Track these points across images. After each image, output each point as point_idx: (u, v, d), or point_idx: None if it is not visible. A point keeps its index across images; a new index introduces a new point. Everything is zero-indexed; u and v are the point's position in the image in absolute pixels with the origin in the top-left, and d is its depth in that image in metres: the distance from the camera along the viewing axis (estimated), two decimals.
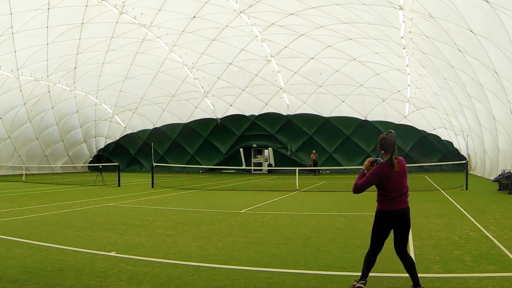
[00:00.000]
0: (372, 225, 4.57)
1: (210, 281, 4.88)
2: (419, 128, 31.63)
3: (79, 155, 40.99)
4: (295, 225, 8.64)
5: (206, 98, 34.48)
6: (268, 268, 5.35)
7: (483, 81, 16.13)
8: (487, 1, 11.33)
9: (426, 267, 5.32)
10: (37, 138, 34.69)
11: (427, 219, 9.16)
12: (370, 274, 5.03)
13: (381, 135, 4.51)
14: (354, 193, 4.60)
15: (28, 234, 7.86)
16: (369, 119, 32.47)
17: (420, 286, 4.28)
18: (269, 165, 35.17)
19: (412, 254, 5.96)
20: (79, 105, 35.66)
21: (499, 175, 16.55)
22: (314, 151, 31.75)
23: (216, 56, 28.75)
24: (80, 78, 30.92)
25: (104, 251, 6.41)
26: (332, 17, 21.57)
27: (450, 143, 31.00)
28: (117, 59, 29.15)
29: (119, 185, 20.49)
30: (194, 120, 37.19)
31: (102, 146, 41.79)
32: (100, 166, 24.98)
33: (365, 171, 4.51)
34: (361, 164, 33.05)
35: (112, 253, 6.27)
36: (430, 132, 31.56)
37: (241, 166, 34.89)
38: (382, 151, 4.45)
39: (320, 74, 30.02)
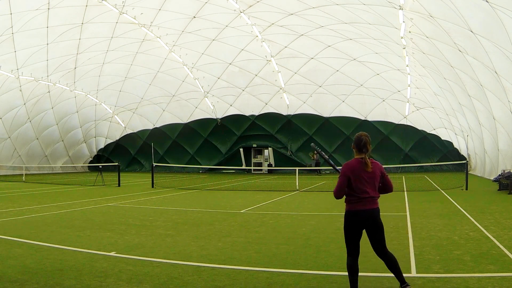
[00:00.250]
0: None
1: (210, 281, 4.88)
2: (419, 128, 31.64)
3: (79, 155, 41.00)
4: (295, 225, 8.64)
5: (206, 98, 34.48)
6: (268, 268, 5.34)
7: (483, 81, 16.13)
8: (487, 1, 11.33)
9: (426, 267, 5.32)
10: (37, 138, 34.70)
11: (427, 219, 9.16)
12: (370, 274, 5.04)
13: (357, 134, 4.48)
14: (336, 199, 4.42)
15: (28, 234, 7.86)
16: (369, 119, 32.48)
17: (406, 283, 4.21)
18: (269, 165, 35.18)
19: (412, 254, 5.96)
20: (79, 105, 35.67)
21: (499, 175, 16.55)
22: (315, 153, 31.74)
23: (216, 56, 28.76)
24: (80, 78, 30.92)
25: (104, 251, 6.41)
26: (332, 17, 21.57)
27: (450, 143, 31.01)
28: (117, 59, 29.15)
29: (119, 185, 20.49)
30: (194, 120, 37.19)
31: (102, 146, 41.79)
32: (100, 166, 24.99)
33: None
34: None
35: (112, 253, 6.27)
36: (430, 132, 31.57)
37: (241, 166, 34.90)
38: (356, 150, 4.40)
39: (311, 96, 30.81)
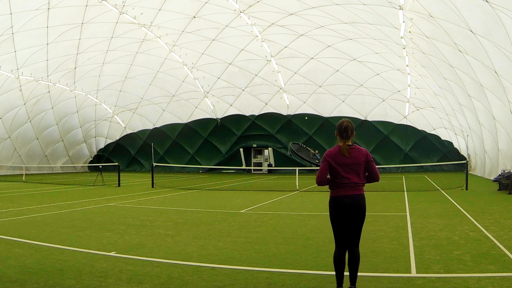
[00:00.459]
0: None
1: (210, 281, 4.88)
2: (419, 128, 31.66)
3: (79, 155, 41.00)
4: (295, 225, 8.64)
5: (206, 98, 34.49)
6: (268, 268, 5.34)
7: (483, 81, 16.13)
8: (487, 1, 11.33)
9: (426, 267, 5.31)
10: (37, 138, 34.70)
11: (427, 219, 9.16)
12: (370, 274, 5.04)
13: (340, 121, 4.40)
14: (318, 185, 4.39)
15: (28, 234, 7.85)
16: (369, 119, 32.49)
17: (354, 286, 4.18)
18: (269, 165, 35.18)
19: (412, 254, 5.96)
20: (79, 105, 35.67)
21: (499, 175, 16.55)
22: (317, 151, 31.78)
23: (216, 56, 28.76)
24: (80, 78, 30.93)
25: (104, 251, 6.41)
26: (332, 17, 21.57)
27: (450, 143, 31.02)
28: (117, 59, 29.16)
29: (119, 185, 20.49)
30: (194, 120, 37.20)
31: (102, 146, 41.80)
32: (100, 166, 24.99)
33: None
34: None
35: (112, 253, 6.27)
36: (430, 132, 31.59)
37: (241, 166, 34.90)
38: (338, 136, 4.32)
39: (306, 118, 30.83)
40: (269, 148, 35.42)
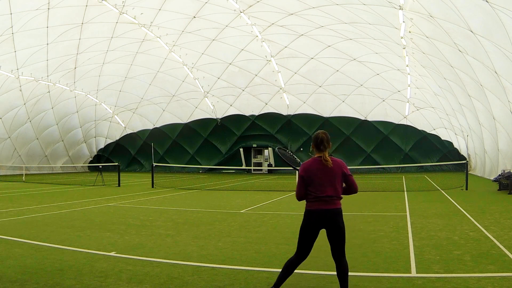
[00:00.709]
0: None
1: (210, 281, 4.88)
2: (419, 128, 31.66)
3: (79, 155, 41.00)
4: (295, 225, 8.63)
5: (206, 98, 34.49)
6: (268, 268, 5.34)
7: (483, 81, 16.14)
8: (487, 1, 11.33)
9: (426, 267, 5.31)
10: (37, 138, 34.70)
11: (427, 219, 9.16)
12: (370, 274, 5.04)
13: (315, 133, 4.36)
14: (298, 200, 4.33)
15: (28, 234, 7.85)
16: (369, 119, 32.49)
17: None
18: (269, 165, 35.17)
19: (412, 254, 5.96)
20: (79, 105, 35.68)
21: (499, 175, 16.55)
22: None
23: (216, 56, 28.76)
24: (80, 78, 30.93)
25: (104, 251, 6.41)
26: (332, 17, 21.57)
27: (450, 143, 31.02)
28: (117, 59, 29.16)
29: (119, 185, 20.49)
30: (194, 120, 37.20)
31: (102, 146, 41.81)
32: (100, 166, 24.99)
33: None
34: (361, 164, 33.23)
35: (112, 253, 6.27)
36: (430, 132, 31.59)
37: (241, 166, 34.90)
38: (315, 149, 4.27)
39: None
40: (269, 148, 35.42)
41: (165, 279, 4.95)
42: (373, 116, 32.29)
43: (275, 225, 8.71)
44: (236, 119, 35.91)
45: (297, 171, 4.51)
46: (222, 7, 22.18)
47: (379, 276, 4.98)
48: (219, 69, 30.75)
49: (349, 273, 5.11)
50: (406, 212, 10.25)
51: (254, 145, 36.14)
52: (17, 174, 31.83)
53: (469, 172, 18.71)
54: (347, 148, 33.24)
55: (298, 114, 34.12)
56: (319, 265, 5.56)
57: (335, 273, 5.15)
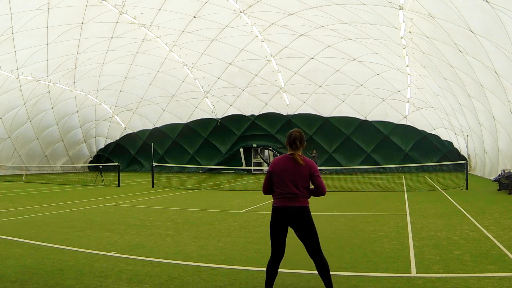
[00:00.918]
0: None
1: (210, 281, 4.88)
2: (419, 128, 31.66)
3: (79, 155, 41.00)
4: None
5: (206, 98, 34.49)
6: None
7: (483, 81, 16.14)
8: (487, 1, 11.33)
9: (426, 267, 5.32)
10: (37, 138, 34.70)
11: (427, 219, 9.16)
12: (370, 274, 5.04)
13: (290, 131, 4.30)
14: (264, 194, 4.31)
15: (28, 234, 7.85)
16: (369, 119, 32.48)
17: None
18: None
19: (412, 254, 5.96)
20: (79, 105, 35.68)
21: (499, 175, 16.55)
22: (314, 151, 31.80)
23: (216, 56, 28.76)
24: (80, 78, 30.93)
25: (104, 251, 6.41)
26: (332, 17, 21.57)
27: (450, 143, 31.02)
28: (117, 59, 29.16)
29: (119, 185, 20.49)
30: (194, 120, 37.20)
31: (102, 146, 41.80)
32: (100, 166, 24.98)
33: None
34: (361, 164, 33.21)
35: (112, 253, 6.27)
36: (430, 132, 31.59)
37: (241, 166, 34.90)
38: (288, 146, 4.23)
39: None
40: (269, 148, 35.44)
41: (165, 279, 4.95)
42: (373, 116, 32.29)
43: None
44: (236, 119, 35.91)
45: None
46: (222, 7, 22.18)
47: (379, 276, 4.98)
48: (219, 69, 30.75)
49: (350, 273, 5.13)
50: (406, 212, 10.25)
51: (254, 145, 36.13)
52: (17, 174, 31.83)
53: (469, 172, 18.71)
54: (347, 148, 33.25)
55: (298, 114, 34.11)
56: None
57: (335, 273, 5.16)
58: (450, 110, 25.59)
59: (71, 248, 6.64)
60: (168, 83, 33.13)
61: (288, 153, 4.21)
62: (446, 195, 14.28)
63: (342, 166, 32.18)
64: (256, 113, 35.18)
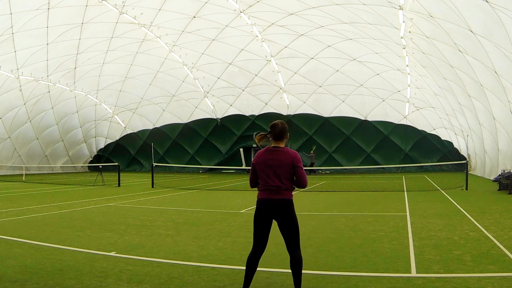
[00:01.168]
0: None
1: (210, 281, 4.88)
2: (419, 128, 31.65)
3: (79, 155, 41.00)
4: None
5: (206, 98, 34.49)
6: (268, 268, 5.34)
7: (483, 81, 16.14)
8: (487, 1, 11.33)
9: (426, 267, 5.32)
10: (37, 138, 34.70)
11: (427, 219, 9.16)
12: (370, 274, 5.04)
13: (273, 122, 4.29)
14: (251, 187, 4.34)
15: (28, 234, 7.85)
16: (369, 119, 32.48)
17: None
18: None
19: (412, 254, 5.96)
20: (79, 105, 35.67)
21: (499, 175, 16.55)
22: (312, 152, 31.90)
23: (216, 56, 28.76)
24: (80, 78, 30.93)
25: (104, 251, 6.41)
26: (332, 17, 21.57)
27: (450, 143, 31.02)
28: (117, 59, 29.16)
29: (119, 185, 20.49)
30: (194, 120, 37.19)
31: (102, 146, 41.80)
32: (100, 166, 24.98)
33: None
34: (361, 164, 33.22)
35: (112, 253, 6.27)
36: (430, 132, 31.58)
37: (241, 166, 34.90)
38: (271, 138, 4.24)
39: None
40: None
41: (165, 279, 4.95)
42: (373, 116, 32.29)
43: (274, 225, 8.70)
44: (236, 119, 35.90)
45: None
46: (222, 7, 22.18)
47: (379, 276, 4.98)
48: (219, 69, 30.74)
49: (350, 273, 5.13)
50: (406, 212, 10.25)
51: (254, 145, 36.11)
52: (17, 174, 31.83)
53: (469, 172, 18.71)
54: (347, 148, 33.25)
55: (298, 114, 34.11)
56: (319, 265, 5.56)
57: (335, 273, 5.17)
58: (450, 110, 25.59)
59: (71, 248, 6.64)
60: (168, 83, 33.13)
61: (272, 145, 4.20)
62: (446, 195, 14.28)
63: (342, 166, 32.18)
64: (256, 113, 35.17)
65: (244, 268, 5.44)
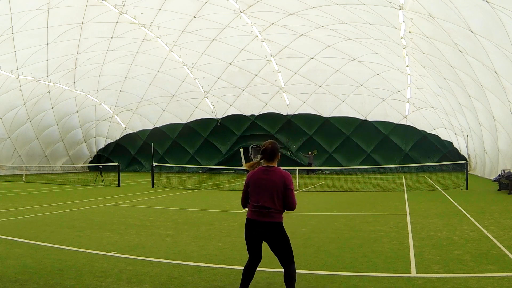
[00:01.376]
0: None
1: (210, 281, 4.88)
2: (419, 128, 31.65)
3: (79, 155, 41.00)
4: (295, 225, 8.64)
5: (206, 98, 34.49)
6: (268, 268, 5.34)
7: (483, 81, 16.14)
8: (487, 1, 11.33)
9: (426, 267, 5.32)
10: (37, 138, 34.70)
11: (427, 219, 9.16)
12: (370, 273, 5.04)
13: (263, 143, 4.26)
14: (243, 207, 4.29)
15: (28, 234, 7.85)
16: (369, 119, 32.48)
17: None
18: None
19: (412, 254, 5.96)
20: (79, 105, 35.67)
21: (499, 175, 16.55)
22: (310, 153, 31.97)
23: (216, 56, 28.75)
24: (80, 78, 30.92)
25: (104, 251, 6.41)
26: (332, 17, 21.57)
27: (450, 143, 31.01)
28: (117, 59, 29.15)
29: (119, 185, 20.49)
30: (194, 120, 37.19)
31: (102, 146, 41.79)
32: (100, 166, 24.99)
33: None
34: (361, 164, 33.19)
35: (112, 253, 6.27)
36: (430, 132, 31.58)
37: (241, 166, 34.88)
38: (263, 160, 4.21)
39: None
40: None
41: (165, 279, 4.96)
42: (373, 116, 32.28)
43: None
44: (236, 119, 35.90)
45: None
46: (222, 7, 22.17)
47: (379, 276, 4.98)
48: (219, 69, 30.74)
49: (350, 273, 5.13)
50: (406, 212, 10.25)
51: (254, 145, 36.13)
52: (17, 174, 31.83)
53: (469, 172, 18.71)
54: (347, 148, 33.24)
55: (298, 114, 34.10)
56: (319, 265, 5.56)
57: (335, 273, 5.18)
58: (450, 110, 25.59)
59: (71, 248, 6.64)
60: (168, 83, 33.13)
61: (264, 165, 4.18)
62: (446, 195, 14.28)
63: (342, 166, 32.18)
64: (256, 113, 35.17)
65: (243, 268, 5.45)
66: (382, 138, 32.49)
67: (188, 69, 30.56)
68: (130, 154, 40.54)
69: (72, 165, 39.47)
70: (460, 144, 29.70)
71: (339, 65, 28.27)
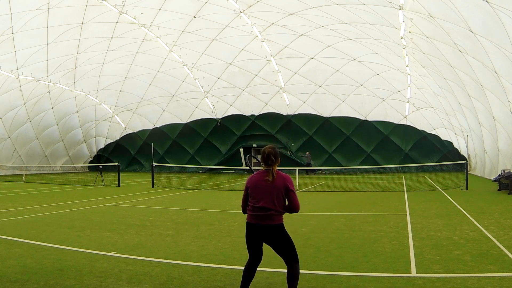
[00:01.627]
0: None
1: (210, 281, 4.88)
2: (419, 128, 31.65)
3: (79, 155, 41.00)
4: (295, 225, 8.64)
5: (206, 98, 34.49)
6: (268, 268, 5.34)
7: (483, 81, 16.14)
8: (487, 1, 11.33)
9: (426, 267, 5.32)
10: (37, 138, 34.70)
11: (427, 219, 9.16)
12: (370, 273, 5.04)
13: (263, 148, 4.27)
14: (243, 213, 4.28)
15: (28, 234, 7.85)
16: (369, 119, 32.48)
17: None
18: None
19: (412, 254, 5.96)
20: (79, 105, 35.67)
21: (499, 175, 16.55)
22: (308, 152, 32.02)
23: (216, 56, 28.76)
24: (80, 78, 30.93)
25: (104, 251, 6.41)
26: (332, 17, 21.57)
27: (450, 143, 31.02)
28: (117, 59, 29.15)
29: (119, 185, 20.49)
30: (194, 120, 37.19)
31: (102, 146, 41.80)
32: (100, 166, 24.99)
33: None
34: (361, 164, 33.20)
35: (112, 253, 6.27)
36: (430, 132, 31.58)
37: (241, 166, 34.89)
38: (262, 163, 4.21)
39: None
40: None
41: (165, 279, 4.96)
42: (373, 116, 32.28)
43: None
44: (236, 119, 35.90)
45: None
46: (222, 7, 22.17)
47: (379, 276, 4.98)
48: (219, 69, 30.74)
49: (350, 273, 5.13)
50: (406, 212, 10.25)
51: (254, 145, 36.12)
52: (17, 174, 31.82)
53: (469, 172, 18.71)
54: (347, 148, 33.24)
55: (298, 114, 34.10)
56: (319, 265, 5.56)
57: (335, 273, 5.18)
58: (450, 110, 25.59)
59: (71, 248, 6.64)
60: (168, 83, 33.13)
61: (264, 168, 4.17)
62: (446, 195, 14.28)
63: (342, 166, 32.18)
64: (256, 113, 35.17)
65: (243, 268, 5.44)
66: (382, 138, 32.49)
67: (188, 69, 30.56)
68: (130, 154, 40.54)
69: (72, 165, 39.47)
70: (460, 144, 29.70)
71: (339, 65, 28.27)
